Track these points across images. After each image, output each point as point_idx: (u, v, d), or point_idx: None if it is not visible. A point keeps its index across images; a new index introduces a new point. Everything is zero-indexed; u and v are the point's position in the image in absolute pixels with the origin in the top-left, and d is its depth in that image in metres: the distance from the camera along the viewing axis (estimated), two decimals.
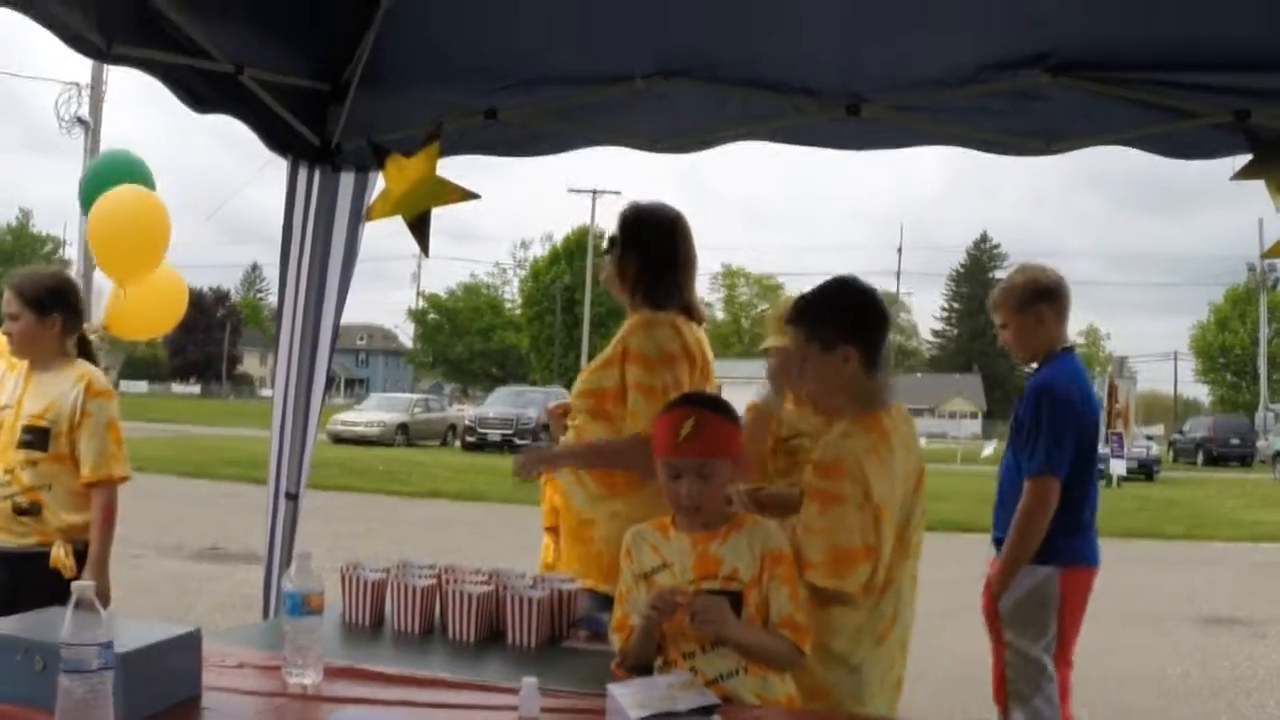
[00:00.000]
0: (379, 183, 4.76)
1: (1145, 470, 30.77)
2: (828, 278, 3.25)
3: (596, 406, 3.85)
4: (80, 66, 37.88)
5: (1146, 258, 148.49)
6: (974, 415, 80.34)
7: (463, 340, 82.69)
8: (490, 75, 4.72)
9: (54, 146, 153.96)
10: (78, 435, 4.15)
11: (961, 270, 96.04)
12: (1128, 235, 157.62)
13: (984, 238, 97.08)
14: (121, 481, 4.25)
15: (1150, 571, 13.26)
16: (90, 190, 6.37)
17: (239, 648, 2.98)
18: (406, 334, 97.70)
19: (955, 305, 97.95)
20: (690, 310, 3.94)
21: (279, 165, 5.14)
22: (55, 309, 4.22)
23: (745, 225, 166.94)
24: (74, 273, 17.21)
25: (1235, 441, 43.73)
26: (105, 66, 22.92)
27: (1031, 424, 4.27)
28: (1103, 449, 26.40)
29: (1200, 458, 43.62)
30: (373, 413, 36.61)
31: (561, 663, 3.23)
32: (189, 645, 2.51)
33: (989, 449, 30.88)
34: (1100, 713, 6.94)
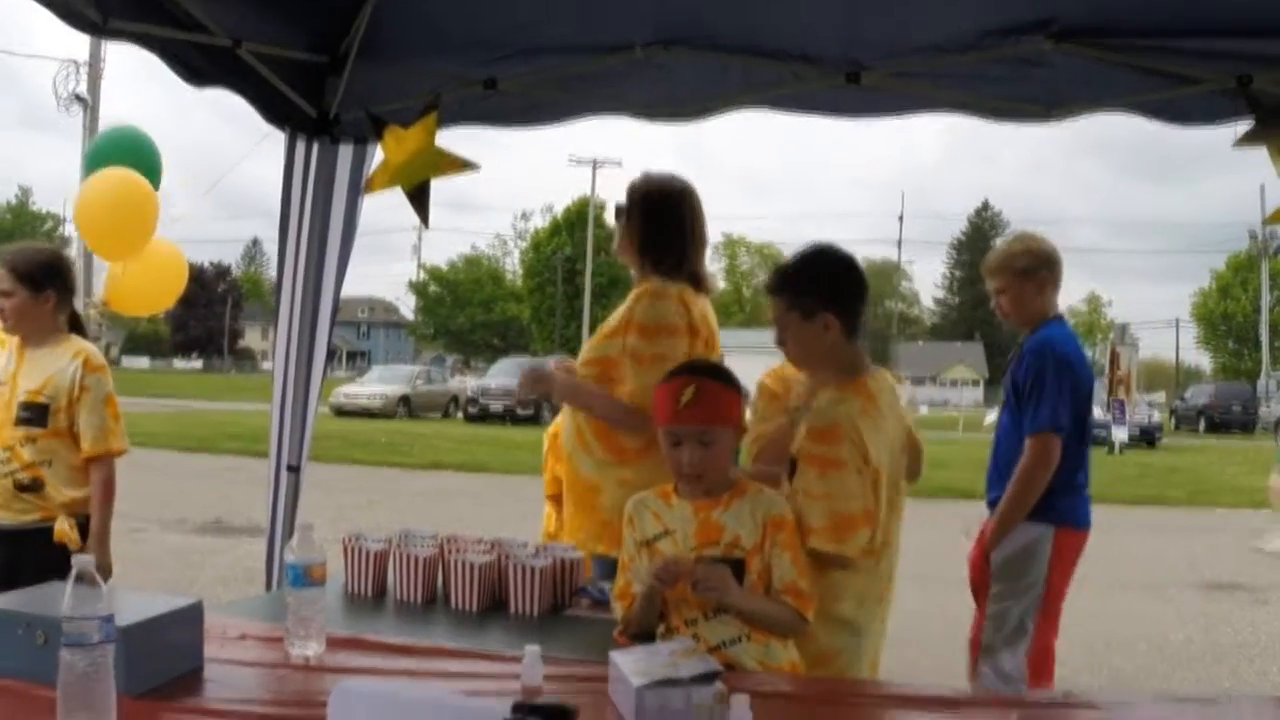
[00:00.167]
0: (378, 154, 4.74)
1: (1147, 437, 30.77)
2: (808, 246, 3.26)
3: (602, 374, 3.86)
4: (78, 44, 37.81)
5: (1148, 224, 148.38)
6: (976, 383, 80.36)
7: (464, 312, 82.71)
8: (489, 45, 4.69)
9: (52, 124, 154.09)
10: (77, 410, 4.15)
11: (963, 238, 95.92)
12: (1129, 202, 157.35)
13: (985, 205, 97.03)
14: (120, 455, 4.25)
15: (1152, 538, 13.29)
16: (94, 166, 6.37)
17: (241, 620, 2.99)
18: (408, 306, 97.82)
19: (957, 273, 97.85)
20: (698, 280, 3.94)
21: (277, 138, 5.13)
22: (49, 285, 4.20)
23: (745, 194, 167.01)
24: (73, 250, 17.17)
25: (1237, 408, 43.72)
26: (103, 43, 22.85)
27: (1034, 382, 4.29)
28: (1104, 416, 26.53)
29: (1202, 424, 43.61)
30: (375, 385, 36.63)
31: (564, 631, 3.24)
32: (191, 618, 2.51)
33: (991, 416, 30.84)
34: (1103, 677, 6.98)
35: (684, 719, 2.18)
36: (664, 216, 3.93)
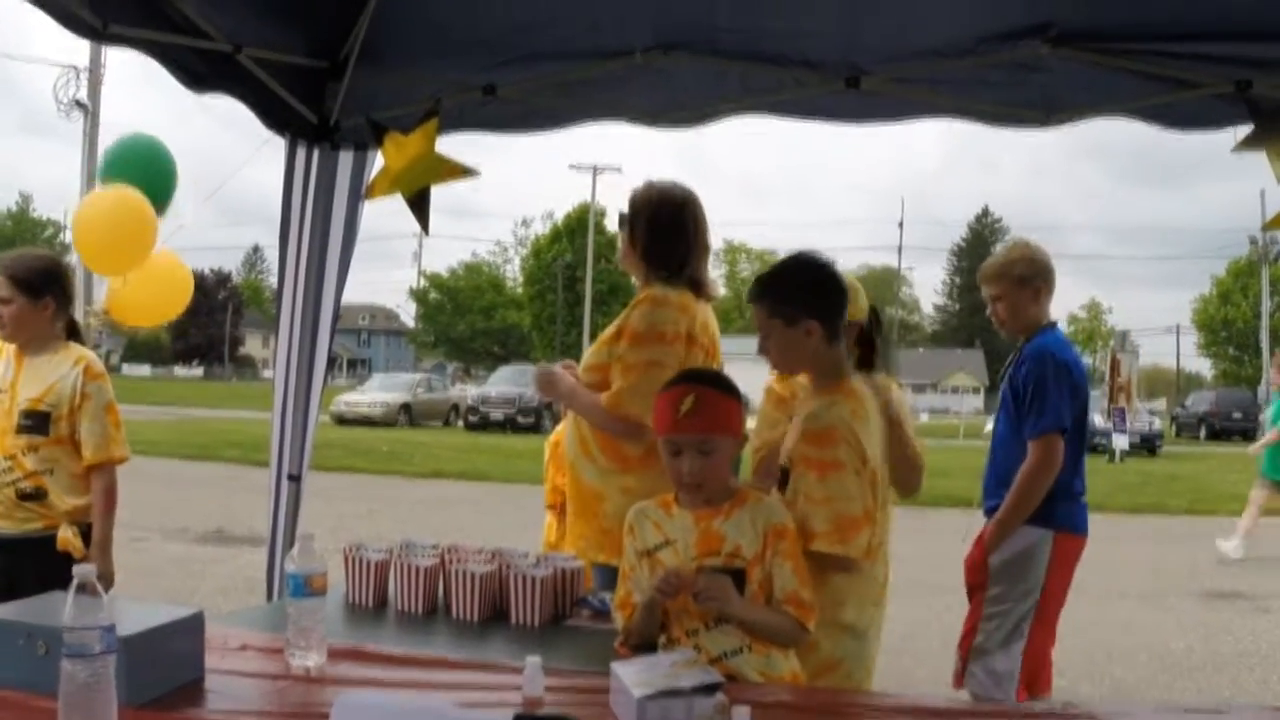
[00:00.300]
0: (378, 160, 4.74)
1: (1148, 445, 30.77)
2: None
3: (601, 380, 3.85)
4: (78, 49, 37.76)
5: (1147, 230, 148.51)
6: (976, 390, 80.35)
7: (465, 319, 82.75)
8: (488, 51, 4.69)
9: (52, 130, 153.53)
10: (78, 418, 4.14)
11: (963, 244, 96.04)
12: (1128, 208, 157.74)
13: (985, 211, 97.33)
14: (121, 463, 4.24)
15: (1153, 546, 13.28)
16: (109, 175, 6.37)
17: (242, 630, 2.98)
18: (408, 314, 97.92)
19: (957, 280, 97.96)
20: (700, 287, 3.95)
21: (277, 144, 5.13)
22: (48, 292, 4.19)
23: (745, 199, 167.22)
24: (73, 257, 17.18)
25: (1238, 415, 43.62)
26: (103, 49, 22.89)
27: (1035, 386, 4.32)
28: (1105, 423, 26.49)
29: (1203, 432, 43.58)
30: (375, 393, 36.60)
31: (565, 642, 3.24)
32: (192, 628, 2.51)
33: (991, 424, 30.55)
34: (1104, 687, 6.96)
35: None
36: (667, 225, 3.93)
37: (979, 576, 4.40)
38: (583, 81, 4.76)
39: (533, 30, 4.58)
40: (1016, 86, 4.37)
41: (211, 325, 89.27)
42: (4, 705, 2.23)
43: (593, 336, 4.67)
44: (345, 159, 5.07)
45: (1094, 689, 6.87)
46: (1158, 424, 34.29)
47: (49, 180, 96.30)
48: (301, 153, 5.04)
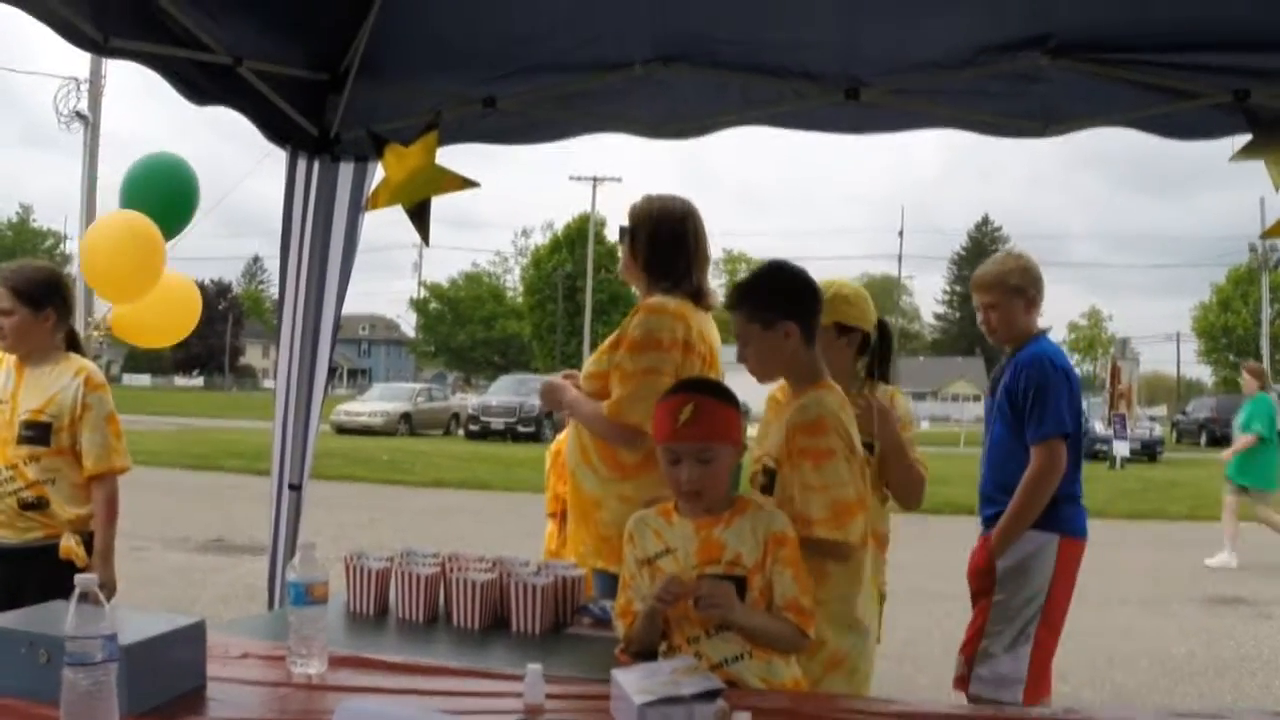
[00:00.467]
0: (378, 172, 4.76)
1: (1148, 451, 30.74)
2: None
3: (602, 388, 3.87)
4: (79, 61, 37.76)
5: (1147, 239, 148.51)
6: (976, 398, 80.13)
7: (465, 329, 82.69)
8: (488, 63, 4.71)
9: (53, 141, 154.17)
10: (79, 429, 4.15)
11: (963, 253, 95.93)
12: (1128, 216, 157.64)
13: (985, 220, 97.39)
14: (122, 473, 4.25)
15: (1153, 552, 13.26)
16: (131, 195, 6.36)
17: (243, 638, 2.99)
18: (408, 323, 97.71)
19: (957, 288, 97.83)
20: (700, 296, 3.97)
21: (278, 156, 5.15)
22: (49, 303, 4.21)
23: (745, 209, 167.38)
24: (74, 268, 17.20)
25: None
26: (104, 61, 22.88)
27: (1036, 392, 4.34)
28: (1105, 430, 26.47)
29: (1203, 438, 43.41)
30: (376, 403, 36.63)
31: (566, 649, 3.24)
32: (193, 637, 2.52)
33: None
34: (1105, 692, 6.96)
35: None
36: (668, 239, 3.96)
37: (983, 582, 4.42)
38: (582, 93, 4.77)
39: (532, 42, 4.60)
40: (1016, 97, 4.39)
41: (212, 335, 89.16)
42: (6, 713, 2.23)
43: (593, 346, 4.68)
44: (345, 171, 5.08)
45: (1095, 694, 6.86)
46: (1158, 430, 34.26)
47: (50, 191, 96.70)
48: (302, 164, 5.05)
